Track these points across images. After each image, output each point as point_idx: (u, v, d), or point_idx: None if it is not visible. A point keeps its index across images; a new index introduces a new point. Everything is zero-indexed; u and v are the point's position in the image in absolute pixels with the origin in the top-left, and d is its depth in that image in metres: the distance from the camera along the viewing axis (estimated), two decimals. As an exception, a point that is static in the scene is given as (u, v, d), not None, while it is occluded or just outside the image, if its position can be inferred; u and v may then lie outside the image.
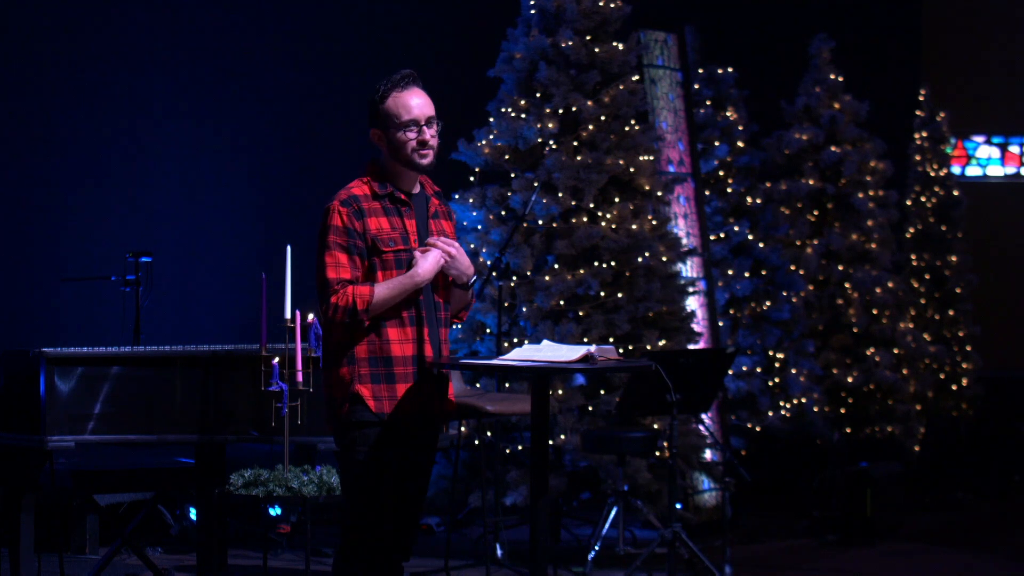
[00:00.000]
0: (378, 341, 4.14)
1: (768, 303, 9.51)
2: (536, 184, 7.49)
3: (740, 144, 9.78)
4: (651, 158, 7.94)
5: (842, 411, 9.52)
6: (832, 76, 10.00)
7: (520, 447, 7.59)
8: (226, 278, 9.01)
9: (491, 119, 7.95)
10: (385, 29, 9.92)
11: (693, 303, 8.56)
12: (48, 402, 5.18)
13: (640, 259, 7.66)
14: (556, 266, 7.63)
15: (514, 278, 7.61)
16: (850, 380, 9.48)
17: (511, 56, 7.94)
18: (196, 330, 8.47)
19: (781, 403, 9.28)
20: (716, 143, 9.67)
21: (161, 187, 9.00)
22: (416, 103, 4.31)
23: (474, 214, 7.80)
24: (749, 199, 9.71)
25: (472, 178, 7.94)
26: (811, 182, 9.80)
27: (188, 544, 7.02)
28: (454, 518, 7.70)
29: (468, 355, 7.56)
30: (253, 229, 9.18)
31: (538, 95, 7.85)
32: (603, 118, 7.79)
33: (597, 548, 6.87)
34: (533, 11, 7.97)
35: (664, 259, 7.80)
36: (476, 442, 7.46)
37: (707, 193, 9.50)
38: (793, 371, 9.34)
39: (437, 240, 4.21)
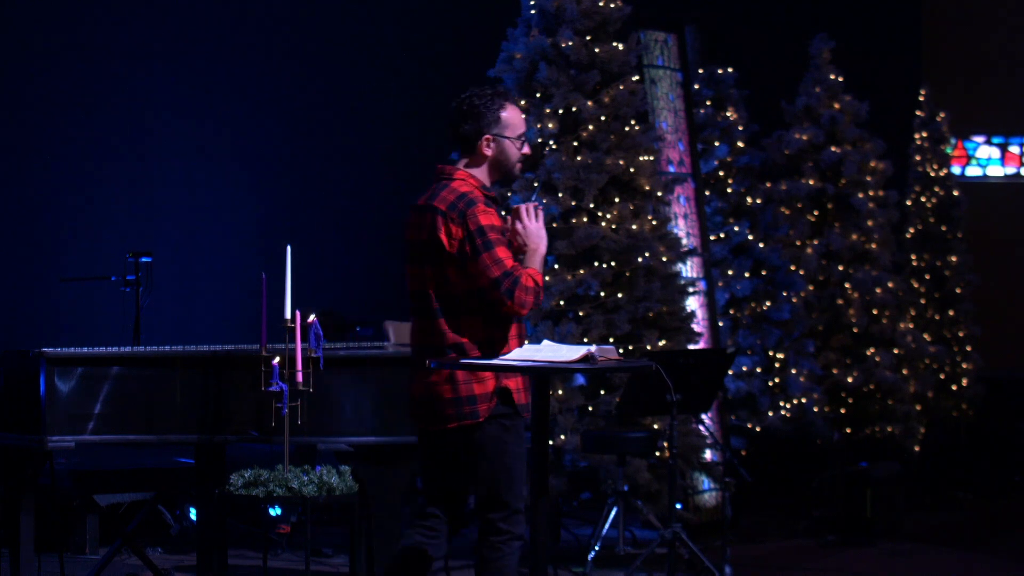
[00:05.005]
0: (509, 337, 4.36)
1: (768, 303, 9.51)
2: (536, 184, 7.48)
3: (740, 144, 9.77)
4: (651, 158, 7.93)
5: (842, 411, 9.52)
6: (832, 76, 9.99)
7: (520, 447, 7.58)
8: (226, 278, 9.01)
9: (491, 119, 7.94)
10: (385, 29, 9.93)
11: (693, 303, 8.56)
12: (48, 402, 5.18)
13: (640, 259, 7.66)
14: (556, 266, 7.63)
15: (514, 278, 7.60)
16: (850, 380, 9.47)
17: (511, 56, 7.94)
18: (196, 330, 8.48)
19: (781, 403, 9.28)
20: (716, 143, 9.67)
21: (161, 187, 9.01)
22: (521, 116, 4.55)
23: (474, 214, 7.79)
24: (749, 199, 9.71)
25: (472, 178, 7.93)
26: (811, 182, 9.80)
27: (188, 544, 7.02)
28: (454, 518, 7.69)
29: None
30: (253, 229, 9.18)
31: (538, 95, 7.84)
32: (603, 118, 7.79)
33: (597, 548, 6.87)
34: (533, 11, 7.96)
35: (664, 259, 7.80)
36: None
37: (707, 193, 9.50)
38: (793, 371, 9.34)
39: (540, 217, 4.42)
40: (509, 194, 7.73)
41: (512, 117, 4.47)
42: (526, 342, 4.41)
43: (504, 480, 4.37)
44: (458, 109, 4.49)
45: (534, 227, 4.40)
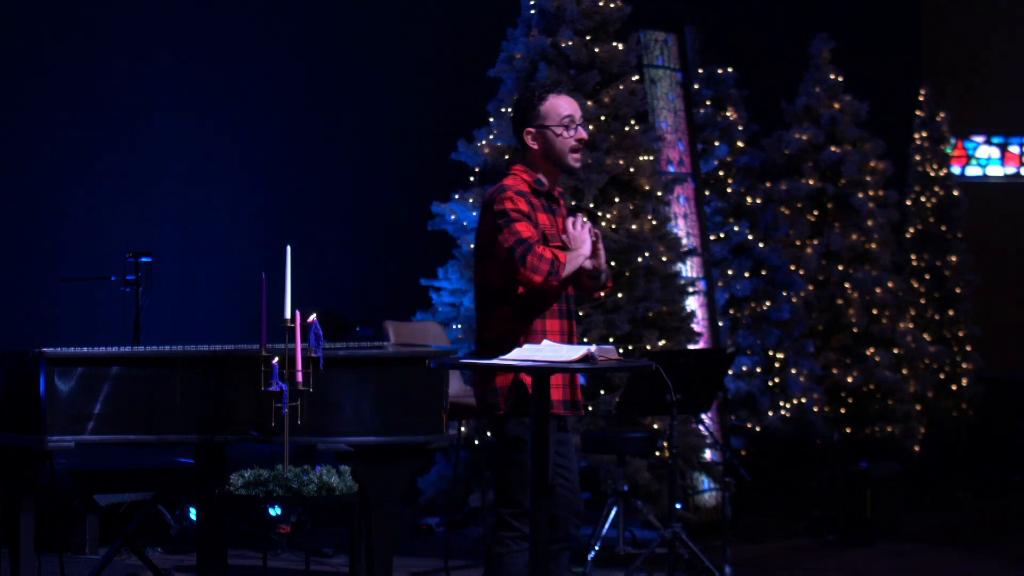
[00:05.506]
0: (540, 334, 4.41)
1: (768, 303, 9.51)
2: (536, 184, 7.48)
3: (740, 144, 9.78)
4: (651, 158, 7.93)
5: (842, 411, 9.52)
6: (832, 76, 10.00)
7: (520, 447, 7.58)
8: (226, 278, 9.01)
9: (491, 119, 7.95)
10: (385, 29, 9.92)
11: (693, 303, 8.56)
12: (48, 402, 5.18)
13: (640, 259, 7.66)
14: (556, 266, 7.62)
15: (514, 278, 7.60)
16: (850, 380, 9.47)
17: (511, 56, 7.93)
18: (196, 330, 8.48)
19: (781, 403, 9.28)
20: (716, 143, 9.67)
21: (161, 187, 9.01)
22: (572, 103, 4.60)
23: (474, 214, 7.79)
24: (749, 199, 9.71)
25: (472, 178, 7.94)
26: (811, 182, 9.80)
27: (188, 544, 7.02)
28: (454, 518, 7.70)
29: (468, 355, 7.56)
30: (253, 229, 9.18)
31: (538, 95, 7.83)
32: (603, 118, 7.79)
33: (597, 548, 6.86)
34: (533, 11, 7.96)
35: (664, 259, 7.80)
36: (476, 442, 7.46)
37: (707, 193, 9.50)
38: (793, 371, 9.34)
39: (586, 229, 4.48)
40: (509, 194, 7.73)
41: (552, 106, 4.55)
42: (572, 340, 4.51)
43: (516, 476, 4.41)
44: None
45: (576, 232, 4.47)
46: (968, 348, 11.53)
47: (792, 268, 9.57)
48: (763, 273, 9.63)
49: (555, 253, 4.36)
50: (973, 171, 14.61)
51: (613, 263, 7.65)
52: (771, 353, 9.45)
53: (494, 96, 8.01)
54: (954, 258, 11.66)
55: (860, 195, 9.79)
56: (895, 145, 10.73)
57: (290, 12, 9.60)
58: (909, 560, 7.81)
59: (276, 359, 5.04)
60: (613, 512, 6.95)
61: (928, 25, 13.98)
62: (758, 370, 9.35)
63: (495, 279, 4.46)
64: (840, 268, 9.67)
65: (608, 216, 7.69)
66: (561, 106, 4.55)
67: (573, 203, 7.65)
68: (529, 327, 4.43)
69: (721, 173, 9.69)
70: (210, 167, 9.22)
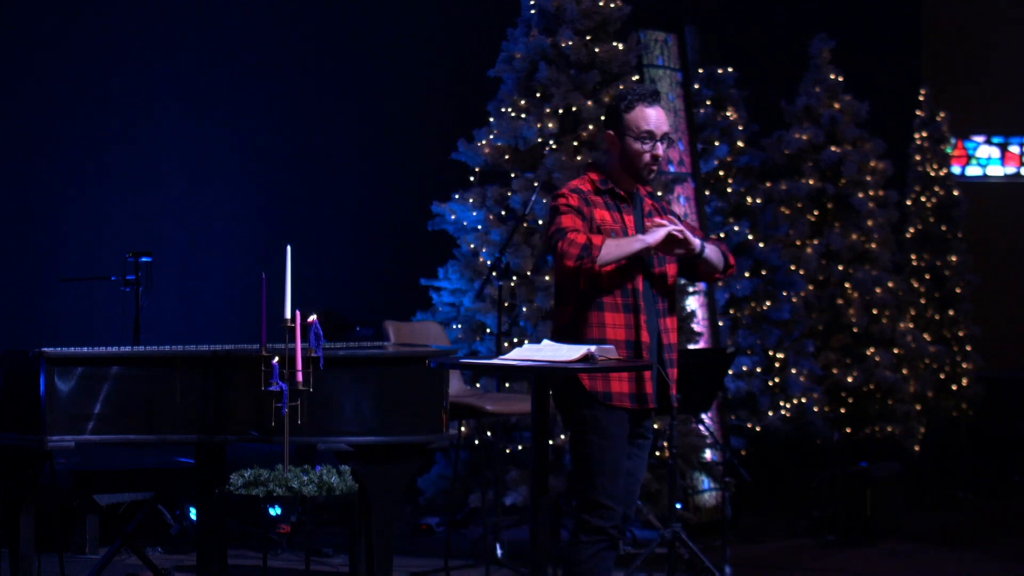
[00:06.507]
0: (597, 327, 4.52)
1: (768, 303, 9.51)
2: (536, 184, 7.49)
3: (740, 144, 9.77)
4: (651, 158, 7.93)
5: (842, 411, 9.52)
6: (832, 76, 9.99)
7: (520, 447, 7.59)
8: (226, 278, 9.01)
9: (491, 119, 7.95)
10: (385, 29, 9.93)
11: (693, 303, 8.56)
12: (48, 402, 5.18)
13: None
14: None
15: (514, 278, 7.61)
16: (850, 380, 9.47)
17: (511, 56, 7.94)
18: (196, 330, 8.48)
19: (781, 403, 9.27)
20: (716, 143, 9.66)
21: (161, 187, 9.01)
22: (657, 118, 4.62)
23: (474, 214, 7.80)
24: (749, 199, 9.70)
25: (472, 178, 7.94)
26: (811, 182, 9.80)
27: (188, 544, 7.02)
28: (454, 518, 7.70)
29: (468, 355, 7.56)
30: (253, 229, 9.18)
31: (538, 95, 7.84)
32: (603, 118, 7.78)
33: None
34: (533, 11, 7.97)
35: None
36: (476, 442, 7.46)
37: (707, 193, 9.50)
38: (793, 371, 9.34)
39: (665, 222, 4.58)
40: (509, 194, 7.73)
41: (635, 117, 4.60)
42: (642, 334, 4.54)
43: (578, 467, 4.53)
44: None
45: (659, 222, 4.59)
46: (968, 348, 11.52)
47: (792, 268, 9.56)
48: (763, 273, 9.63)
49: (590, 238, 4.43)
50: (973, 171, 14.60)
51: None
52: (771, 353, 9.45)
53: (494, 96, 8.01)
54: (954, 258, 11.65)
55: (860, 195, 9.78)
56: (895, 145, 10.72)
57: (290, 12, 9.60)
58: (909, 560, 7.82)
59: (276, 359, 5.04)
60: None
61: (928, 25, 13.98)
62: (758, 370, 9.34)
63: (562, 273, 4.61)
64: (840, 268, 9.67)
65: (608, 216, 7.68)
66: (645, 119, 4.59)
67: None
68: (586, 320, 4.54)
69: (721, 173, 9.69)
70: (210, 167, 9.23)
